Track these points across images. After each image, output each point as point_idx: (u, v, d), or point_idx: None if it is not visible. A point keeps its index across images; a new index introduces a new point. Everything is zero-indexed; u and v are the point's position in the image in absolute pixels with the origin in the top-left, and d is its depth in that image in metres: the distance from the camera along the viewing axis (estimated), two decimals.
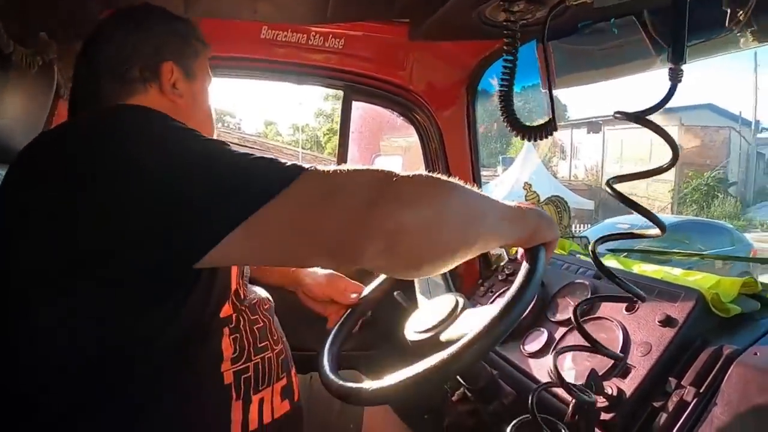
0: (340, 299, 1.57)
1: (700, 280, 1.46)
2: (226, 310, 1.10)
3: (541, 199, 2.34)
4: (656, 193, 23.55)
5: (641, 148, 23.87)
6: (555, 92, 1.52)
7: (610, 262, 1.78)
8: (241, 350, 1.12)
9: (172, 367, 0.99)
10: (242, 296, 1.19)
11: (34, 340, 0.91)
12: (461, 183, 0.91)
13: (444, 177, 0.90)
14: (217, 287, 1.06)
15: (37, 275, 0.89)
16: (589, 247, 1.21)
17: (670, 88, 1.09)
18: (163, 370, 0.98)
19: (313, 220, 0.83)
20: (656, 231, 1.15)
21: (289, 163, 0.87)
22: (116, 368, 0.93)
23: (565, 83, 1.90)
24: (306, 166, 0.86)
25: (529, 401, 1.12)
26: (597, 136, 26.27)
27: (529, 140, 1.33)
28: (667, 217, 15.11)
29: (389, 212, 0.81)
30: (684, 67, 1.07)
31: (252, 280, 1.40)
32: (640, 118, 1.09)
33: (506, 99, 1.31)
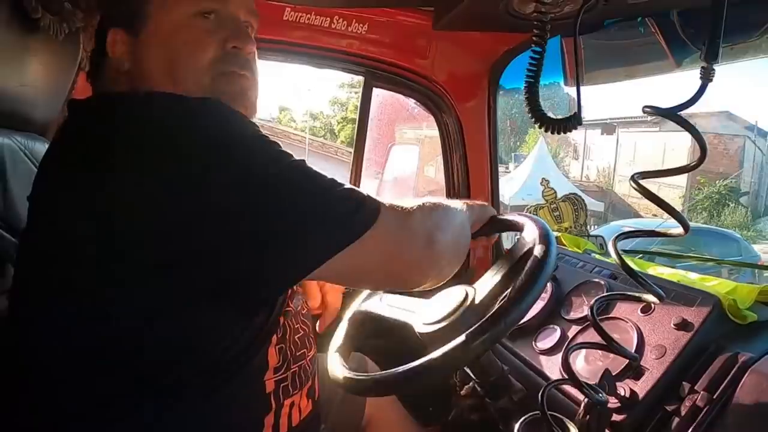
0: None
1: (716, 285, 1.46)
2: (275, 318, 1.12)
3: (558, 196, 2.33)
4: (666, 199, 23.25)
5: (655, 152, 23.74)
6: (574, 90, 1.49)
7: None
8: (284, 360, 1.13)
9: (222, 375, 0.99)
10: (289, 305, 1.20)
11: (99, 336, 0.91)
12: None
13: (441, 201, 1.16)
14: (279, 301, 1.13)
15: (116, 271, 0.88)
16: (609, 244, 1.20)
17: (700, 87, 1.08)
18: (214, 378, 0.98)
19: (388, 259, 1.02)
20: (679, 230, 1.14)
21: (365, 193, 0.98)
22: (170, 371, 0.94)
23: (590, 80, 1.90)
24: (379, 201, 0.99)
25: (539, 398, 1.12)
26: (611, 138, 26.12)
27: (553, 133, 1.33)
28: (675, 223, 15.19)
29: (442, 249, 1.08)
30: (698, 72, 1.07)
31: None
32: (671, 113, 1.08)
33: (532, 91, 1.30)
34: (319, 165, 1.00)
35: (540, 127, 1.32)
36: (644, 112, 1.13)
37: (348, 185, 0.96)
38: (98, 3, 1.19)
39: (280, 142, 0.96)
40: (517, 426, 1.16)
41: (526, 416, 1.17)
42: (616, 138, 25.81)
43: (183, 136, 0.88)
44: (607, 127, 26.03)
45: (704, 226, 17.83)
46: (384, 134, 2.90)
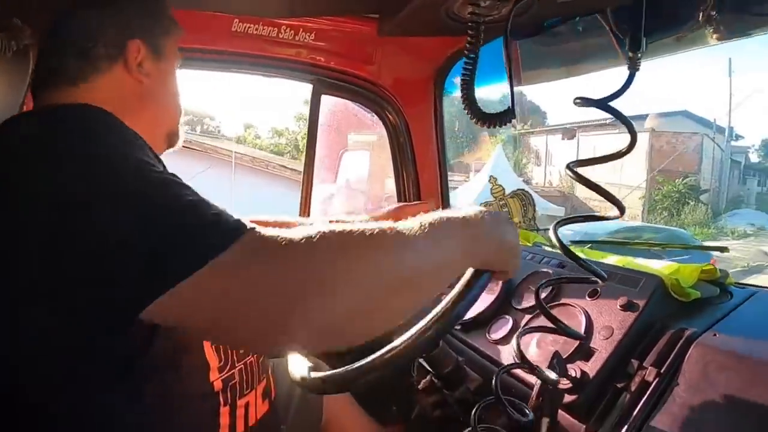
0: (423, 208, 1.48)
1: (661, 267, 1.51)
2: None
3: (506, 193, 2.37)
4: (627, 200, 23.16)
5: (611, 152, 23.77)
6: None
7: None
8: (226, 358, 1.10)
9: (160, 379, 0.97)
10: None
11: (24, 346, 0.87)
12: (389, 228, 0.84)
13: (376, 230, 0.82)
14: None
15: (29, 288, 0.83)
16: (551, 229, 1.25)
17: (628, 76, 1.15)
18: (151, 383, 0.96)
19: (235, 303, 0.74)
20: (616, 212, 1.19)
21: (232, 219, 0.79)
22: (104, 380, 0.91)
23: (531, 79, 1.95)
24: (247, 224, 0.78)
25: (493, 383, 1.17)
26: (572, 143, 26.32)
27: (488, 127, 1.37)
28: (628, 223, 15.35)
29: (332, 305, 0.76)
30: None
31: None
32: (600, 104, 1.13)
33: (467, 89, 1.33)
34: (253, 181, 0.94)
35: (476, 122, 1.35)
36: (575, 103, 1.18)
37: (208, 206, 0.80)
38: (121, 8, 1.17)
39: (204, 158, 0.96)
40: (473, 412, 1.19)
41: (481, 402, 1.21)
42: (576, 142, 26.02)
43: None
44: (568, 132, 26.26)
45: (654, 225, 18.06)
46: (338, 141, 2.93)
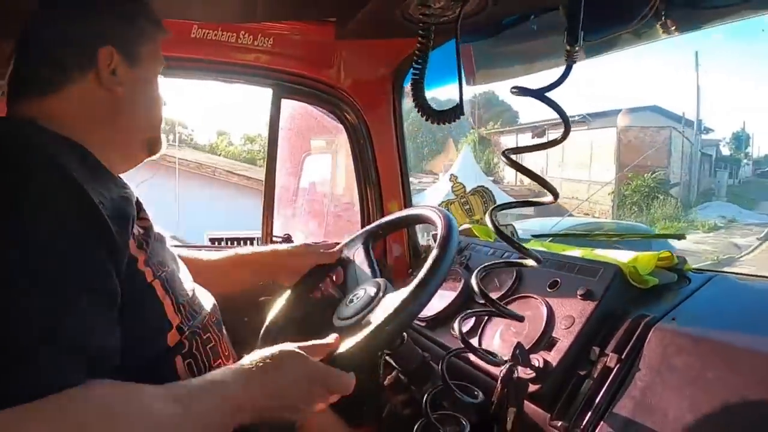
0: (324, 259, 1.54)
1: (619, 256, 1.53)
2: (173, 337, 1.05)
3: (467, 190, 2.39)
4: (597, 197, 23.11)
5: (582, 150, 24.09)
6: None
7: (535, 247, 1.85)
8: (199, 372, 1.08)
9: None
10: (189, 318, 1.12)
11: None
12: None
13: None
14: (148, 321, 1.02)
15: None
16: (487, 215, 1.27)
17: (566, 68, 1.17)
18: None
19: None
20: (549, 198, 1.22)
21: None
22: None
23: (487, 78, 1.98)
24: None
25: (439, 367, 1.22)
26: (542, 141, 26.36)
27: (438, 123, 1.39)
28: (590, 220, 15.46)
29: None
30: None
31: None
32: (538, 94, 1.16)
33: (417, 87, 1.36)
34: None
35: (425, 118, 1.38)
36: (512, 92, 1.20)
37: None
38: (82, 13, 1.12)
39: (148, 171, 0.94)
40: (424, 399, 1.22)
41: (431, 389, 1.24)
42: (545, 140, 26.07)
43: None
44: (538, 131, 26.30)
45: (614, 221, 18.18)
46: (301, 146, 2.94)
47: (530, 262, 1.22)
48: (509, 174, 27.73)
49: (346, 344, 1.06)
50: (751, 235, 19.71)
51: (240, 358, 1.06)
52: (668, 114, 26.99)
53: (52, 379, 0.75)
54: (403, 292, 1.09)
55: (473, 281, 1.28)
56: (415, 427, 1.27)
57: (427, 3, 1.37)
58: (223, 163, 15.71)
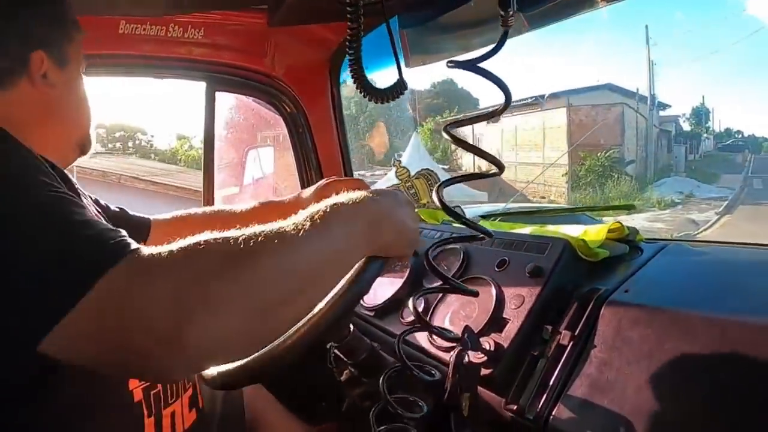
0: (350, 185, 1.42)
1: (568, 230, 1.50)
2: None
3: (412, 174, 2.34)
4: (553, 179, 23.37)
5: (535, 132, 24.00)
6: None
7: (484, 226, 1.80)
8: None
9: (72, 391, 0.92)
10: None
11: None
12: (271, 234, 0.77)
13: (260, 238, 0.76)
14: None
15: None
16: (434, 192, 1.25)
17: (502, 35, 1.13)
18: (62, 394, 0.91)
19: (111, 330, 0.68)
20: (495, 170, 1.20)
21: (113, 240, 0.73)
22: (10, 393, 0.85)
23: (421, 59, 1.95)
24: (129, 245, 0.73)
25: (396, 349, 1.18)
26: (496, 126, 26.65)
27: (381, 102, 1.35)
28: (540, 205, 15.66)
29: (202, 331, 0.68)
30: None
31: None
32: (472, 66, 1.11)
33: (356, 68, 1.32)
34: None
35: (367, 98, 1.33)
36: (448, 66, 1.16)
37: (91, 225, 0.76)
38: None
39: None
40: (381, 382, 1.16)
41: (387, 370, 1.18)
42: (500, 125, 26.31)
43: None
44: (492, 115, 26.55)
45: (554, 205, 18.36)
46: (246, 140, 2.88)
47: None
48: (467, 161, 27.75)
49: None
50: (709, 210, 19.76)
51: None
52: (623, 91, 26.96)
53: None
54: None
55: (424, 258, 1.24)
56: (372, 411, 1.21)
57: None
58: (137, 169, 15.51)
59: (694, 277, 1.31)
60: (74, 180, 1.11)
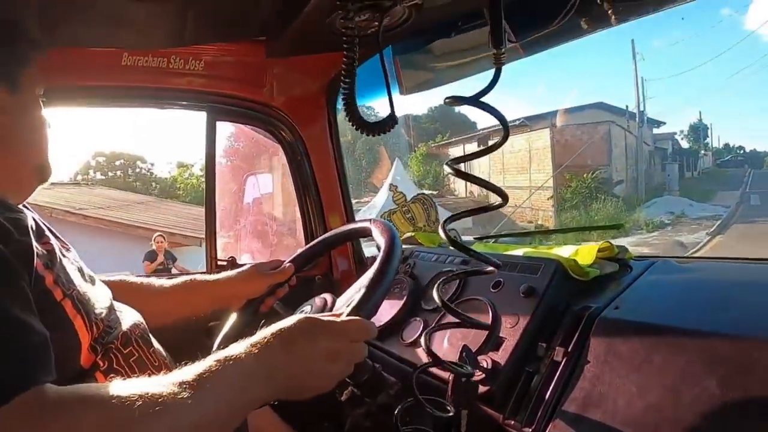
0: (277, 280, 1.52)
1: (561, 251, 1.54)
2: (87, 358, 1.01)
3: (408, 198, 2.37)
4: (539, 203, 22.61)
5: (522, 155, 23.34)
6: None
7: (479, 249, 1.81)
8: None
9: None
10: (104, 336, 1.07)
11: None
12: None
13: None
14: (59, 341, 0.90)
15: None
16: (440, 227, 1.24)
17: (495, 72, 1.16)
18: None
19: None
20: (499, 200, 1.20)
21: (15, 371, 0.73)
22: None
23: (416, 87, 1.97)
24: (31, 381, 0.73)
25: (413, 384, 1.15)
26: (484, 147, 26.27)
27: (370, 135, 1.38)
28: None
29: None
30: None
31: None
32: (473, 100, 1.14)
33: (348, 100, 1.34)
34: None
35: (359, 130, 1.36)
36: (445, 103, 1.18)
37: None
38: None
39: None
40: (395, 415, 1.17)
41: (402, 405, 1.18)
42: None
43: None
44: (482, 139, 26.33)
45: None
46: (248, 168, 2.90)
47: (489, 267, 1.21)
48: (460, 187, 27.38)
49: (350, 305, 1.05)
50: (701, 230, 18.94)
51: None
52: (614, 109, 26.36)
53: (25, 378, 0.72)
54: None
55: (435, 293, 1.24)
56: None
57: (349, 17, 1.35)
58: (100, 201, 15.43)
59: (681, 291, 1.34)
60: (35, 216, 1.07)
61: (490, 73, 1.19)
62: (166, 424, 0.75)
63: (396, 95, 1.82)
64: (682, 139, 36.20)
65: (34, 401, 0.70)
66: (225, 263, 2.23)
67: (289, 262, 1.57)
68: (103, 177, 34.04)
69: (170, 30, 1.78)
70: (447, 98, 1.17)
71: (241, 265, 1.60)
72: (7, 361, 0.73)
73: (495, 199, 1.20)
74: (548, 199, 22.45)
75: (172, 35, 1.83)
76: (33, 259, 0.90)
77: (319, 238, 1.63)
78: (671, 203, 23.11)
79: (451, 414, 1.17)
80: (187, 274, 1.87)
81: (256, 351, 0.89)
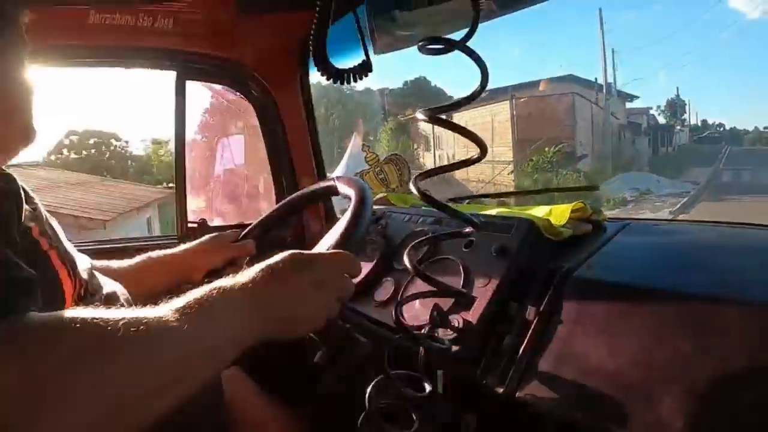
0: (235, 254, 1.53)
1: (534, 211, 1.51)
2: (71, 306, 0.95)
3: (381, 159, 2.32)
4: (500, 177, 21.60)
5: (485, 127, 21.80)
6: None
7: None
8: None
9: None
10: (87, 297, 1.03)
11: None
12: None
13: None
14: (45, 288, 0.85)
15: None
16: (411, 183, 1.21)
17: (474, 16, 1.10)
18: None
19: None
20: (478, 153, 1.17)
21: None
22: None
23: (391, 44, 1.91)
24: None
25: (385, 359, 1.13)
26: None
27: (342, 83, 1.32)
28: None
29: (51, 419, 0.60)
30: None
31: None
32: (458, 44, 1.07)
33: (318, 49, 1.27)
34: None
35: (331, 80, 1.30)
36: (421, 49, 1.11)
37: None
38: None
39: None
40: (367, 395, 1.15)
41: (374, 383, 1.16)
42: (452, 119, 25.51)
43: None
44: (447, 115, 26.21)
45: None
46: (221, 129, 2.84)
47: (466, 228, 1.18)
48: (429, 161, 26.97)
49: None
50: (665, 208, 17.99)
51: None
52: (585, 82, 25.56)
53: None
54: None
55: (406, 258, 1.21)
56: (359, 421, 1.17)
57: None
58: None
59: (654, 252, 1.33)
60: (18, 181, 0.99)
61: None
62: (152, 350, 0.70)
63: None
64: (659, 114, 36.09)
65: (17, 326, 0.64)
66: (195, 225, 2.18)
67: (252, 228, 1.57)
68: (78, 156, 33.31)
69: None
70: (421, 41, 1.10)
71: (213, 228, 1.57)
72: None
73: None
74: (509, 174, 21.73)
75: None
76: (21, 214, 0.88)
77: (282, 202, 1.61)
78: (638, 179, 22.06)
79: (426, 393, 1.13)
80: None
81: (247, 284, 0.83)
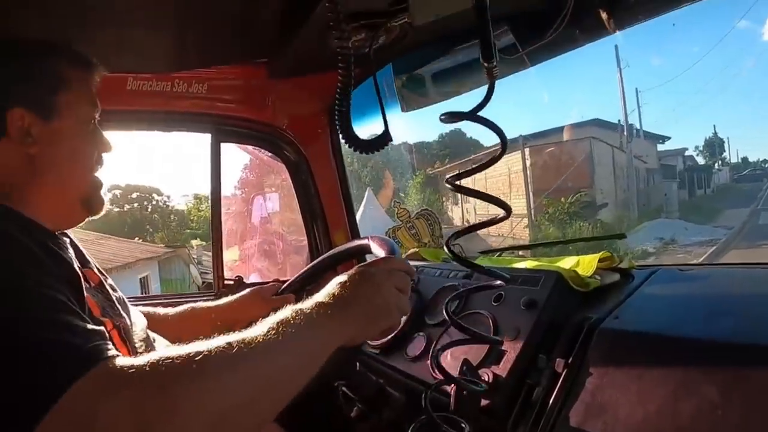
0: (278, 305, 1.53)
1: (562, 263, 1.52)
2: None
3: (412, 215, 2.34)
4: (517, 230, 19.50)
5: (502, 178, 21.44)
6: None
7: (483, 263, 1.79)
8: None
9: None
10: None
11: None
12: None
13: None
14: None
15: None
16: (444, 245, 1.27)
17: (489, 86, 1.11)
18: None
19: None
20: (503, 213, 1.18)
21: (86, 346, 0.74)
22: None
23: (422, 103, 1.95)
24: (101, 353, 0.74)
25: (423, 402, 1.13)
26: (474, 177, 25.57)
27: (364, 153, 1.35)
28: None
29: None
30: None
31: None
32: (470, 115, 1.10)
33: (343, 119, 1.32)
34: None
35: (352, 148, 1.34)
36: (441, 120, 1.14)
37: (63, 328, 0.75)
38: None
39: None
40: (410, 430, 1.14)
41: (415, 423, 1.16)
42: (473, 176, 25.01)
43: None
44: (479, 160, 25.68)
45: None
46: (254, 186, 2.90)
47: (496, 282, 1.19)
48: (457, 214, 26.51)
49: None
50: (691, 260, 14.50)
51: None
52: (611, 126, 23.53)
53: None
54: None
55: (444, 309, 1.22)
56: None
57: (344, 37, 1.32)
58: None
59: (682, 301, 1.32)
60: (76, 242, 1.08)
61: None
62: (241, 373, 0.76)
63: (398, 113, 1.81)
64: (697, 155, 33.93)
65: (107, 371, 0.70)
66: (231, 282, 2.22)
67: (292, 282, 1.60)
68: (119, 209, 34.12)
69: (172, 54, 1.79)
70: (442, 115, 1.13)
71: (248, 285, 1.59)
72: (83, 337, 0.74)
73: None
74: (525, 227, 20.38)
75: (173, 59, 1.85)
76: (81, 284, 0.90)
77: (318, 259, 1.65)
78: (663, 227, 19.62)
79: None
80: None
81: (325, 300, 0.93)
